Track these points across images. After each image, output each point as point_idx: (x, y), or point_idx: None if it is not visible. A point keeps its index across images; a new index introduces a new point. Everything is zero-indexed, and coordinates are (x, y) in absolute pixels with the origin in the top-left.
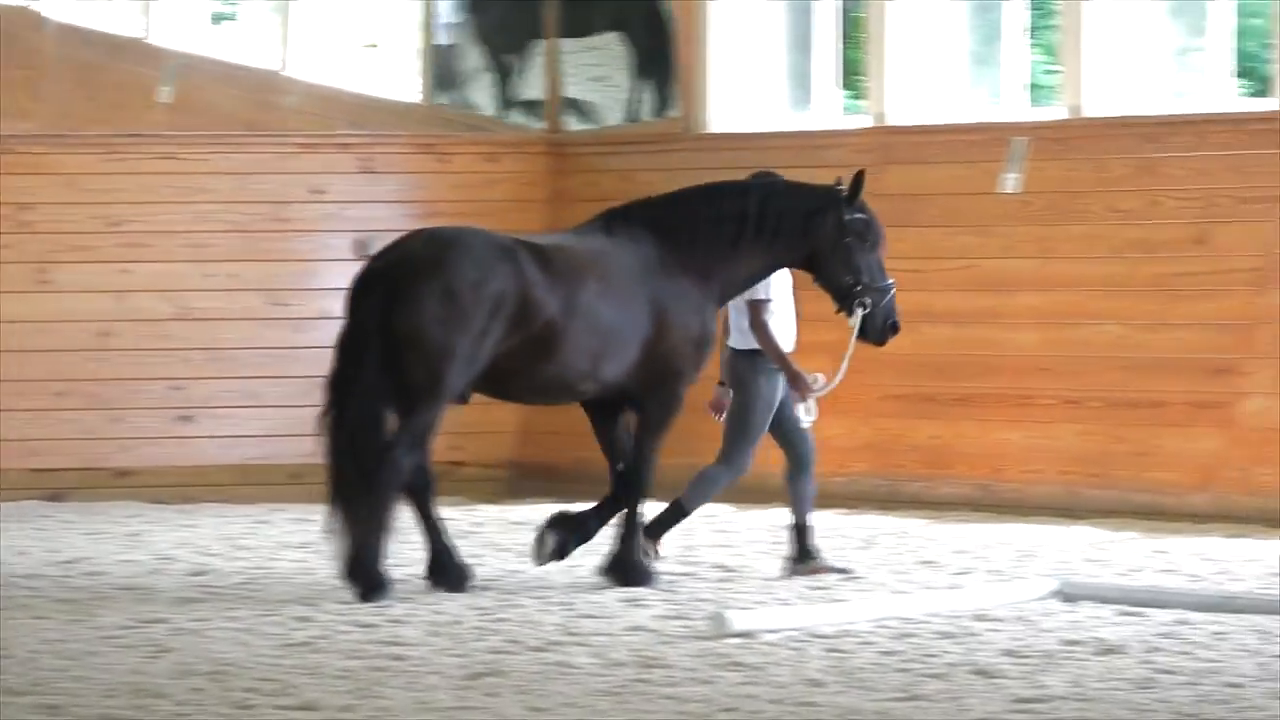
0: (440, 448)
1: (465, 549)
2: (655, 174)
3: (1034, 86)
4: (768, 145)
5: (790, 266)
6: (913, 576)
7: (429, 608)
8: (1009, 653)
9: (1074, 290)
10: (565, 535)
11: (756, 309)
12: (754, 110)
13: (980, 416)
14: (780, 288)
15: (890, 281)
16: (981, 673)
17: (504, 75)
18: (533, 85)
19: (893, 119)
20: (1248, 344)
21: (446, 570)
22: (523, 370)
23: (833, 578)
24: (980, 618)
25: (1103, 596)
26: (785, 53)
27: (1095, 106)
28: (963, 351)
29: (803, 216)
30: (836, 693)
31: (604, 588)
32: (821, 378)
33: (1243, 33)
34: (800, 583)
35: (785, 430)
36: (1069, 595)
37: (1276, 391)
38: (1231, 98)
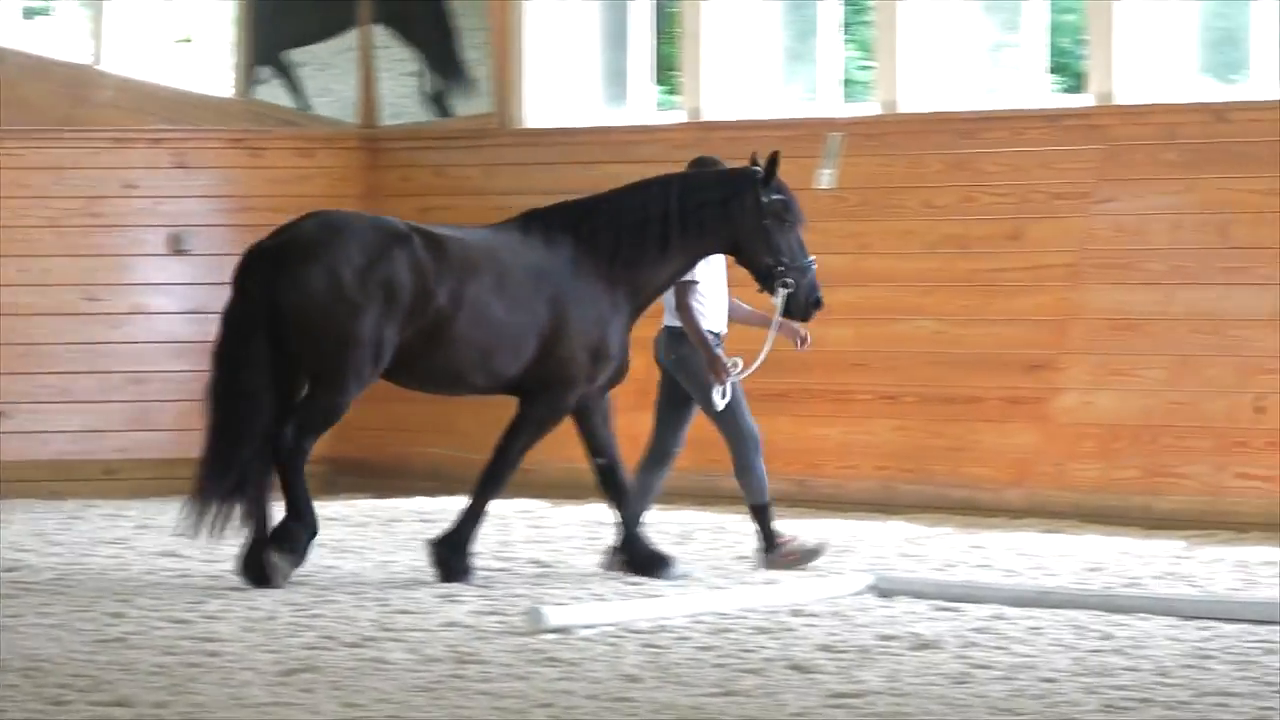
0: None
1: None
2: (470, 169)
3: (849, 82)
4: (583, 140)
5: (715, 253)
6: (729, 572)
7: (243, 604)
8: (825, 648)
9: (889, 286)
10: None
11: (682, 290)
12: (569, 106)
13: (796, 412)
14: (711, 268)
15: (811, 259)
16: (797, 668)
17: (293, 71)
18: (342, 80)
19: (708, 114)
20: (1062, 340)
21: (263, 565)
22: (415, 359)
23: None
24: (796, 613)
25: (918, 592)
26: (600, 49)
27: (910, 102)
28: (778, 347)
29: (720, 205)
30: (653, 688)
31: (420, 584)
32: (740, 361)
33: (1056, 29)
34: (615, 578)
35: (674, 419)
36: (885, 590)
37: (1090, 387)
38: (1045, 94)
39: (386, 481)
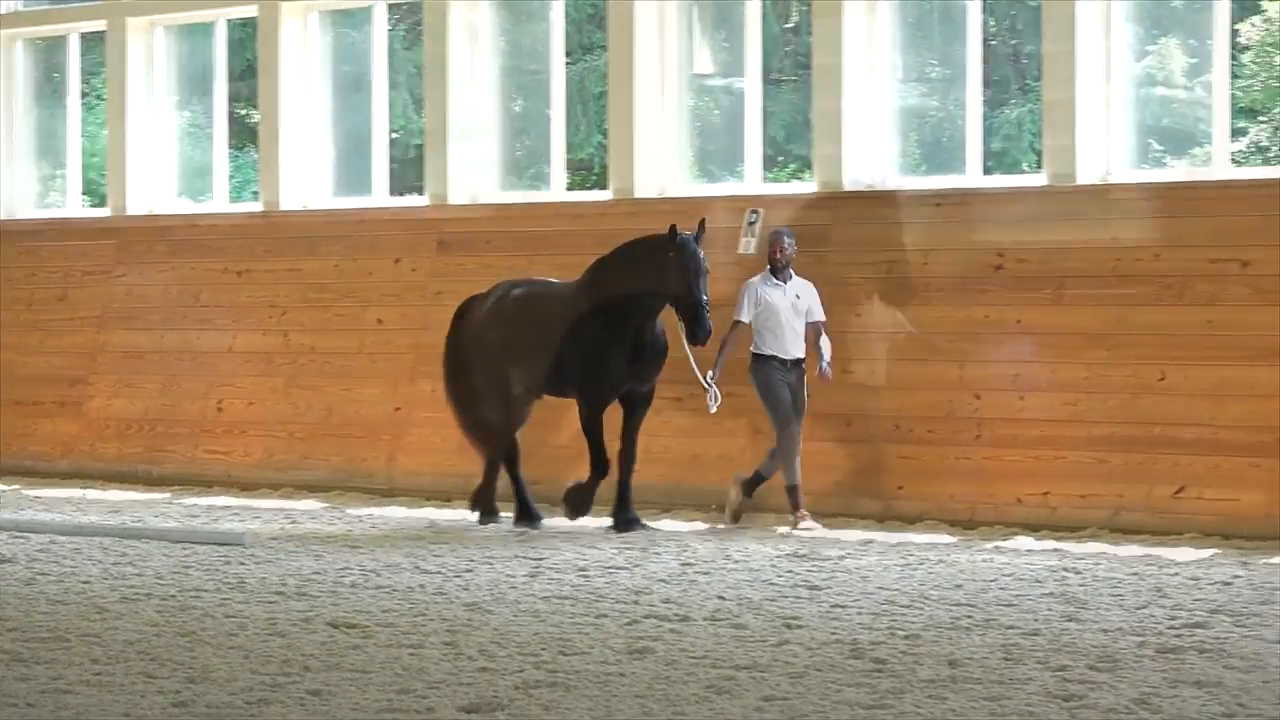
0: None
1: None
2: None
3: None
4: None
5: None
6: None
7: None
8: None
9: None
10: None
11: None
12: None
13: None
14: (771, 309)
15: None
16: None
17: None
18: None
19: None
20: (93, 364)
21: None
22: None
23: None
24: None
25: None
26: None
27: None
28: None
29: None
30: None
31: None
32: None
33: (88, 166)
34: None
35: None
36: None
37: (112, 395)
38: (80, 208)
39: None
